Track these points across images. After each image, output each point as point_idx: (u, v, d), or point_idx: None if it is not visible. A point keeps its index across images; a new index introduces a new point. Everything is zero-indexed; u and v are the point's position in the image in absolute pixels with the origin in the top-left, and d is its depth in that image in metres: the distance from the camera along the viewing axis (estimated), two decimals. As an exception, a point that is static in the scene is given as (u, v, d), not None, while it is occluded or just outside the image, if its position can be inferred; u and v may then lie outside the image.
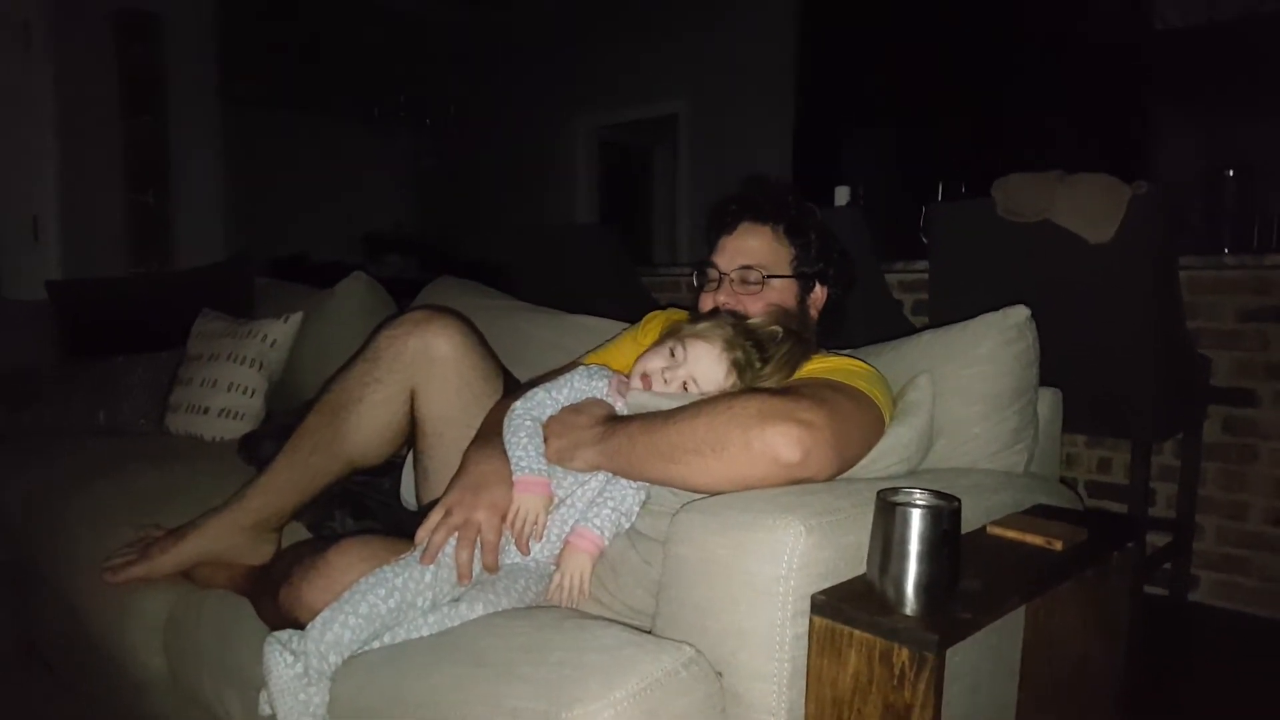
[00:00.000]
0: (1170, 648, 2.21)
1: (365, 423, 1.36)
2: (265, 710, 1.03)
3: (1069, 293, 2.01)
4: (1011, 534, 1.05)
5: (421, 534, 1.10)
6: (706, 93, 5.43)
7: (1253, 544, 2.43)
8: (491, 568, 1.10)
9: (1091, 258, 1.97)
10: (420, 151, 6.54)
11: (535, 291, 2.24)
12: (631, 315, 1.74)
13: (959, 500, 0.83)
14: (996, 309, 1.30)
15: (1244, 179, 2.46)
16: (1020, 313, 1.28)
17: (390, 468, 1.51)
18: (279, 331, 2.28)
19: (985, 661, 1.07)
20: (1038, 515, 1.13)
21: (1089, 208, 1.93)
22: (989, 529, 1.07)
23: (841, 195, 3.03)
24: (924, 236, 2.83)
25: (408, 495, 1.49)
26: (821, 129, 4.80)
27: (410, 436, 1.41)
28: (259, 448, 1.74)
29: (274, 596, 1.15)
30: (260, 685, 1.03)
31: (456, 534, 1.08)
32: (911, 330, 1.43)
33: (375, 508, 1.51)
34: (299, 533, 1.47)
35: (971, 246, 2.22)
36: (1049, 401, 1.40)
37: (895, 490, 0.85)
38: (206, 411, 2.19)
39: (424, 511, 1.33)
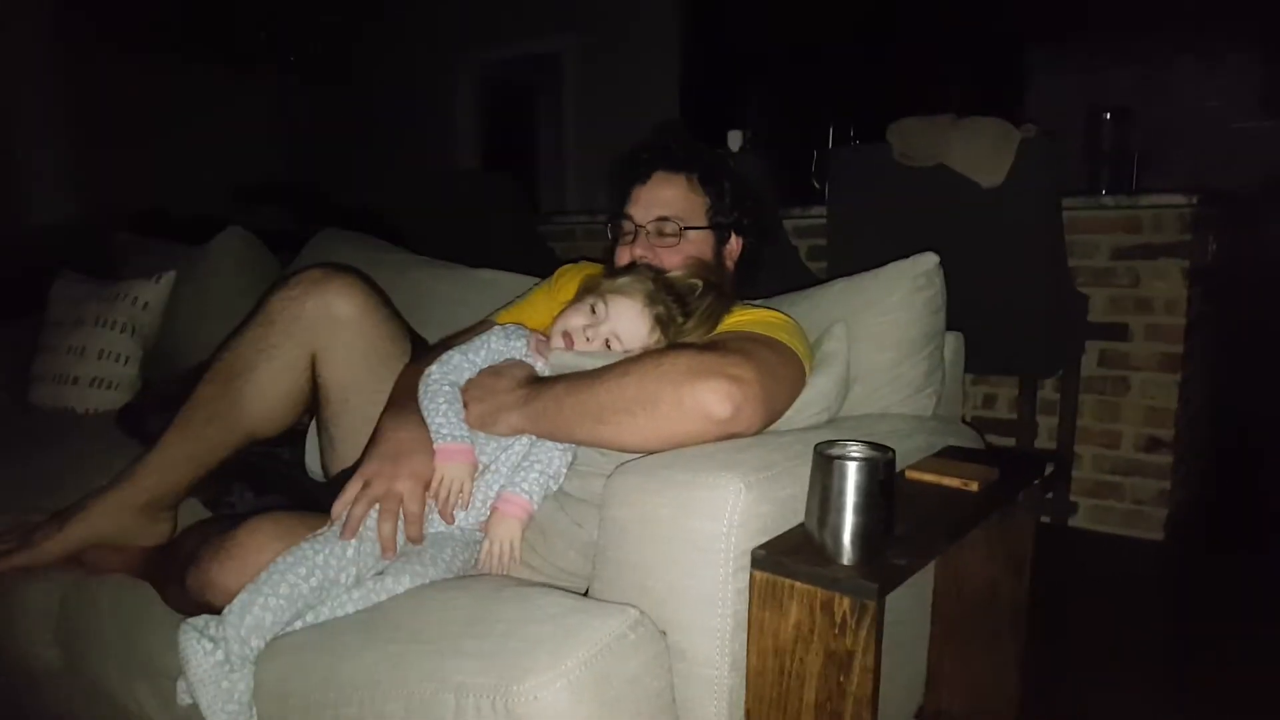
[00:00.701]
0: (1057, 572, 2.36)
1: (263, 391, 1.28)
2: (185, 700, 0.97)
3: (962, 236, 2.07)
4: (930, 477, 1.08)
5: (339, 507, 1.05)
6: (591, 31, 5.28)
7: (1125, 470, 2.61)
8: (416, 539, 1.06)
9: (983, 201, 2.03)
10: (287, 92, 6.11)
11: (421, 243, 2.11)
12: (531, 267, 1.69)
13: (893, 451, 0.85)
14: (894, 254, 1.32)
15: (1120, 122, 2.59)
16: (929, 260, 1.31)
17: (291, 436, 1.43)
18: (151, 293, 2.11)
19: (904, 599, 1.11)
20: (950, 457, 1.17)
21: (981, 151, 1.99)
22: (908, 473, 1.10)
23: (734, 140, 3.02)
24: (815, 181, 2.87)
25: (313, 465, 1.42)
26: (708, 71, 4.77)
27: (313, 404, 1.34)
28: (144, 421, 1.63)
29: (180, 580, 1.08)
30: (176, 674, 0.98)
31: (378, 506, 1.04)
32: (811, 277, 1.44)
33: (277, 480, 1.43)
34: (195, 510, 1.38)
35: (868, 191, 2.26)
36: (952, 345, 1.45)
37: (831, 443, 0.86)
38: (76, 381, 2.02)
39: (334, 483, 1.27)
